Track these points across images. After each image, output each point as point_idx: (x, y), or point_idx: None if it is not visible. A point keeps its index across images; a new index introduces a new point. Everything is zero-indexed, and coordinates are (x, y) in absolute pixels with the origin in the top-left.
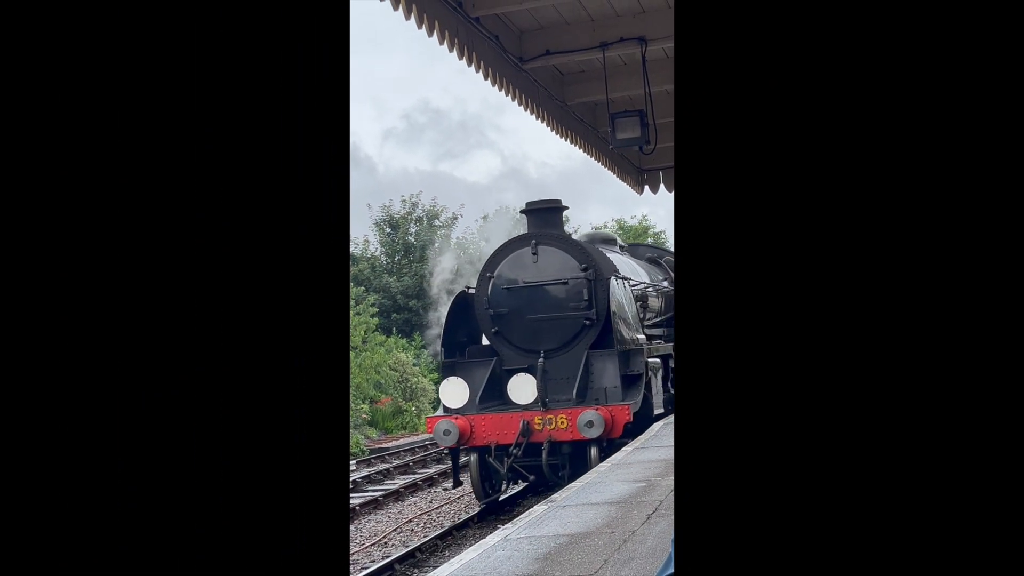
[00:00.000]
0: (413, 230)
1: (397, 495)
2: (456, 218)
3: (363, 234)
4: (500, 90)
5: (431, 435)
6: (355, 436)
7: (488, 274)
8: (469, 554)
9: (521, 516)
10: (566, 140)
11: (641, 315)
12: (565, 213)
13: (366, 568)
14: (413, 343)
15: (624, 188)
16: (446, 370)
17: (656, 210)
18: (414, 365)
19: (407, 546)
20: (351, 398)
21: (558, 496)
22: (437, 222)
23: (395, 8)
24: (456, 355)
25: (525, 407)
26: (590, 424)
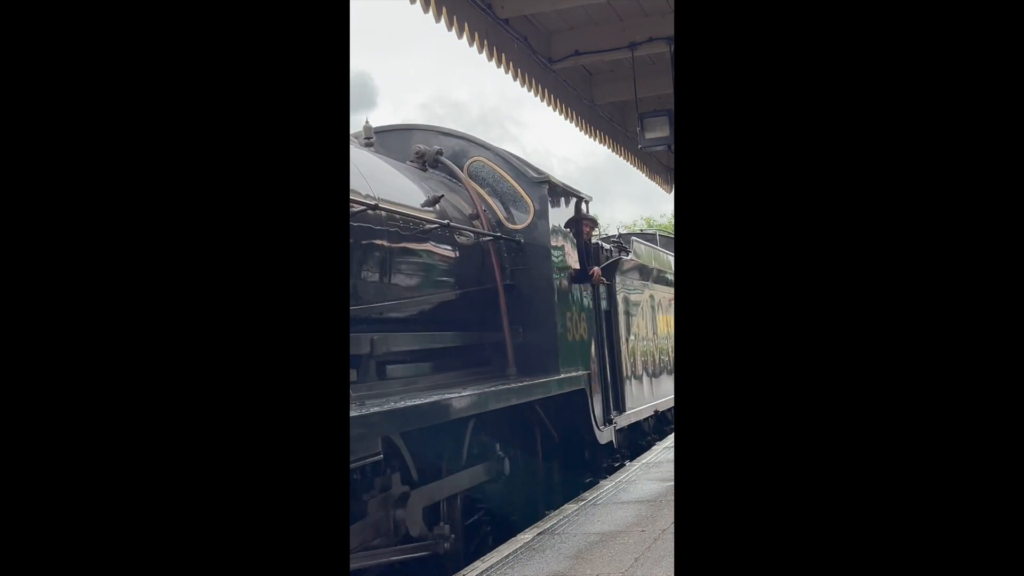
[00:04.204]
0: None
1: None
2: None
3: None
4: (529, 90)
5: None
6: None
7: None
8: (502, 551)
9: (553, 515)
10: (594, 139)
11: None
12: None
13: None
14: None
15: (651, 184)
16: None
17: None
18: None
19: None
20: None
21: (589, 495)
22: None
23: (425, 11)
24: None
25: None
26: None
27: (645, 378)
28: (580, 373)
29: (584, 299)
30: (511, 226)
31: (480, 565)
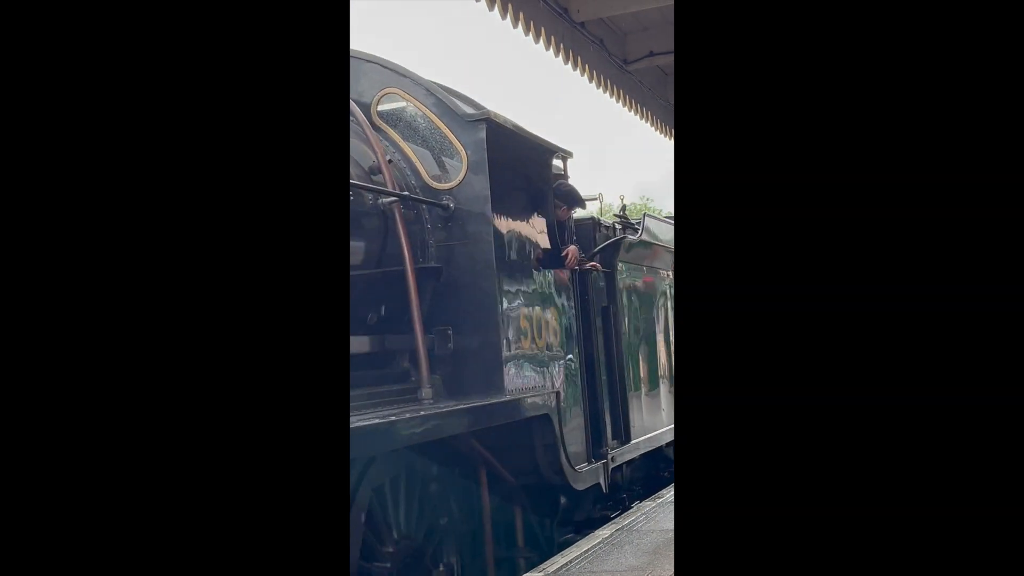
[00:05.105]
0: None
1: None
2: None
3: None
4: (604, 92)
5: None
6: None
7: None
8: (580, 546)
9: (630, 511)
10: (670, 139)
11: None
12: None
13: None
14: None
15: None
16: None
17: None
18: None
19: None
20: None
21: (666, 493)
22: None
23: (503, 17)
24: None
25: None
26: None
27: (663, 393)
28: (542, 394)
29: (557, 291)
30: (436, 185)
31: (559, 559)
